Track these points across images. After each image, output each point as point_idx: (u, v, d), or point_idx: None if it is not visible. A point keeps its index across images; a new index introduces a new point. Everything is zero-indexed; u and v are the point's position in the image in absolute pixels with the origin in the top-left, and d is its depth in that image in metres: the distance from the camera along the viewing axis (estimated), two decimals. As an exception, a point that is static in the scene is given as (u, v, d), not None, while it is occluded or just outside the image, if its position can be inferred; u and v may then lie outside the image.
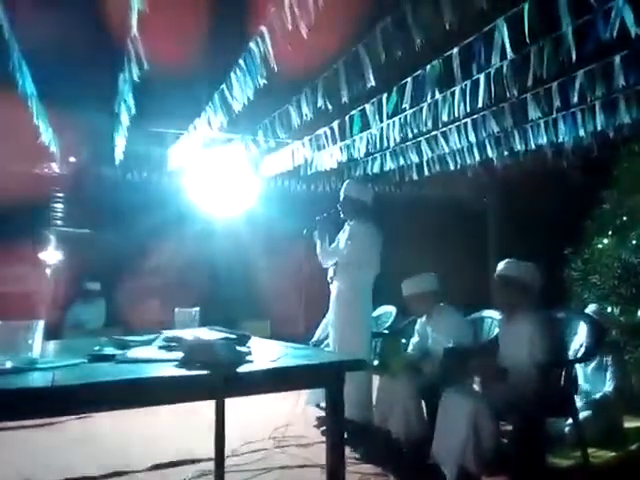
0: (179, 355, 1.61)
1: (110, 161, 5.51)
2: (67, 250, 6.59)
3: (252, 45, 2.80)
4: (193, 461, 3.19)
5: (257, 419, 4.12)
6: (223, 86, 3.41)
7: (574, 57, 2.92)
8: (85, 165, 6.23)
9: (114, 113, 3.88)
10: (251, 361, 1.62)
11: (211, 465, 2.69)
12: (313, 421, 3.95)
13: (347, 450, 3.34)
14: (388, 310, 4.74)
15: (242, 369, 1.55)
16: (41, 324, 1.50)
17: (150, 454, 3.32)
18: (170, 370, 1.51)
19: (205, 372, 1.46)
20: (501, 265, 3.13)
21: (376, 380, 3.68)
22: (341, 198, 4.04)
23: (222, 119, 3.80)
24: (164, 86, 3.93)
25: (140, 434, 3.81)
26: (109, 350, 1.73)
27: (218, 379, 1.47)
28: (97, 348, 1.74)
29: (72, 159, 6.24)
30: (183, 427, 3.86)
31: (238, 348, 1.59)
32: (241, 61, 3.00)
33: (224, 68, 3.28)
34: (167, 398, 1.48)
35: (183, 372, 1.48)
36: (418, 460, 2.95)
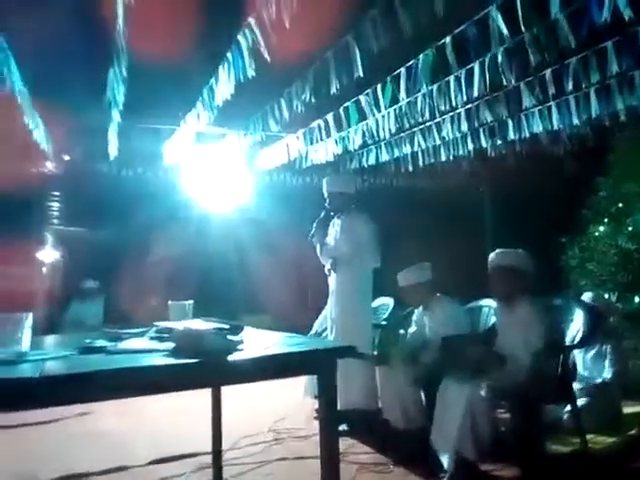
0: (170, 345, 1.61)
1: (104, 158, 5.49)
2: (65, 249, 6.58)
3: (240, 37, 2.78)
4: (193, 455, 3.19)
5: (257, 412, 4.13)
6: (212, 80, 3.39)
7: (572, 43, 2.91)
8: (79, 162, 6.20)
9: (106, 109, 3.86)
10: (242, 349, 1.62)
11: (211, 458, 2.70)
12: (312, 413, 3.95)
13: (348, 440, 3.37)
14: (386, 302, 4.73)
15: (232, 357, 1.55)
16: (30, 317, 1.50)
17: (151, 449, 3.32)
18: (159, 359, 1.51)
19: (194, 360, 1.46)
20: (493, 256, 3.15)
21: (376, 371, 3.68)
22: (326, 195, 4.03)
23: (213, 113, 3.79)
24: (156, 81, 3.90)
25: (141, 429, 3.81)
26: (100, 342, 1.73)
27: (207, 367, 1.47)
28: (88, 341, 1.74)
29: (66, 157, 6.21)
30: (184, 421, 3.86)
31: (229, 337, 1.60)
32: (229, 54, 2.98)
33: (213, 62, 3.27)
34: (156, 387, 1.47)
35: (172, 361, 1.48)
36: (417, 448, 2.95)
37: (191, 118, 4.19)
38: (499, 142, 5.11)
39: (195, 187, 5.72)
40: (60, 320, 6.04)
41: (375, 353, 3.95)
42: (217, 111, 3.82)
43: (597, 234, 5.23)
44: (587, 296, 4.03)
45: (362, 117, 4.42)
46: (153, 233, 6.08)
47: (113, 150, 5.14)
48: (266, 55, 2.72)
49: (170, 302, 2.06)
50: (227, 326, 1.64)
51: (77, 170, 6.26)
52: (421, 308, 3.64)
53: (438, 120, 4.75)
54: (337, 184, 4.04)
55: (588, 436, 3.05)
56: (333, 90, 3.32)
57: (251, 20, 2.66)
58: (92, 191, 6.25)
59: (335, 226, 4.06)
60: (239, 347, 1.63)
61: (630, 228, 4.99)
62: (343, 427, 3.52)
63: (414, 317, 3.73)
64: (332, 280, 4.02)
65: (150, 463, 3.14)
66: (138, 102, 3.86)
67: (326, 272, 4.14)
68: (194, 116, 4.06)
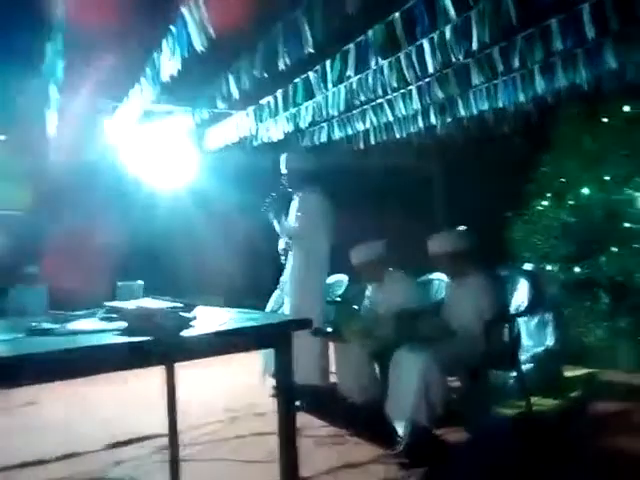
0: (121, 325, 1.58)
1: (43, 137, 5.21)
2: (1, 233, 6.25)
3: (184, 10, 2.67)
4: (150, 437, 3.16)
5: (215, 393, 4.13)
6: (155, 55, 3.26)
7: (514, 20, 2.96)
8: (16, 142, 5.87)
9: (43, 85, 3.66)
10: (194, 326, 1.61)
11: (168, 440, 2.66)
12: (270, 391, 3.97)
13: (304, 416, 3.41)
14: (340, 279, 4.79)
15: (186, 333, 1.53)
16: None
17: (105, 434, 3.26)
18: (110, 339, 1.48)
19: (146, 338, 1.43)
20: (429, 244, 3.26)
21: (332, 347, 3.73)
22: (283, 172, 4.01)
23: (157, 90, 3.66)
24: (96, 55, 3.72)
25: (91, 416, 3.73)
26: (47, 325, 1.67)
27: (161, 344, 1.45)
28: (34, 324, 1.68)
29: (1, 137, 5.87)
30: (137, 406, 3.81)
31: (181, 314, 1.58)
32: (173, 28, 2.87)
33: (157, 36, 3.13)
34: (109, 366, 1.45)
35: (124, 339, 1.45)
36: (372, 420, 3.02)
37: (135, 95, 4.02)
38: (448, 119, 5.18)
39: (141, 166, 5.54)
40: (2, 308, 5.78)
41: (330, 329, 4.00)
42: (163, 88, 3.69)
43: (541, 208, 5.42)
44: (528, 267, 4.20)
45: (311, 94, 4.37)
46: (97, 214, 5.86)
47: (52, 129, 4.88)
48: (210, 30, 2.63)
49: (119, 283, 2.01)
50: (179, 304, 1.62)
51: (14, 150, 5.92)
52: (375, 284, 3.70)
53: (389, 97, 4.76)
54: (295, 160, 4.03)
55: (533, 399, 3.22)
56: (282, 66, 3.26)
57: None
58: (30, 172, 5.94)
59: (294, 202, 4.06)
60: (192, 323, 1.61)
61: (571, 202, 5.19)
62: (297, 403, 3.56)
63: (368, 293, 3.79)
64: (289, 257, 4.03)
65: (104, 448, 3.08)
66: (77, 78, 3.67)
67: (280, 251, 4.13)
68: (137, 92, 3.90)
